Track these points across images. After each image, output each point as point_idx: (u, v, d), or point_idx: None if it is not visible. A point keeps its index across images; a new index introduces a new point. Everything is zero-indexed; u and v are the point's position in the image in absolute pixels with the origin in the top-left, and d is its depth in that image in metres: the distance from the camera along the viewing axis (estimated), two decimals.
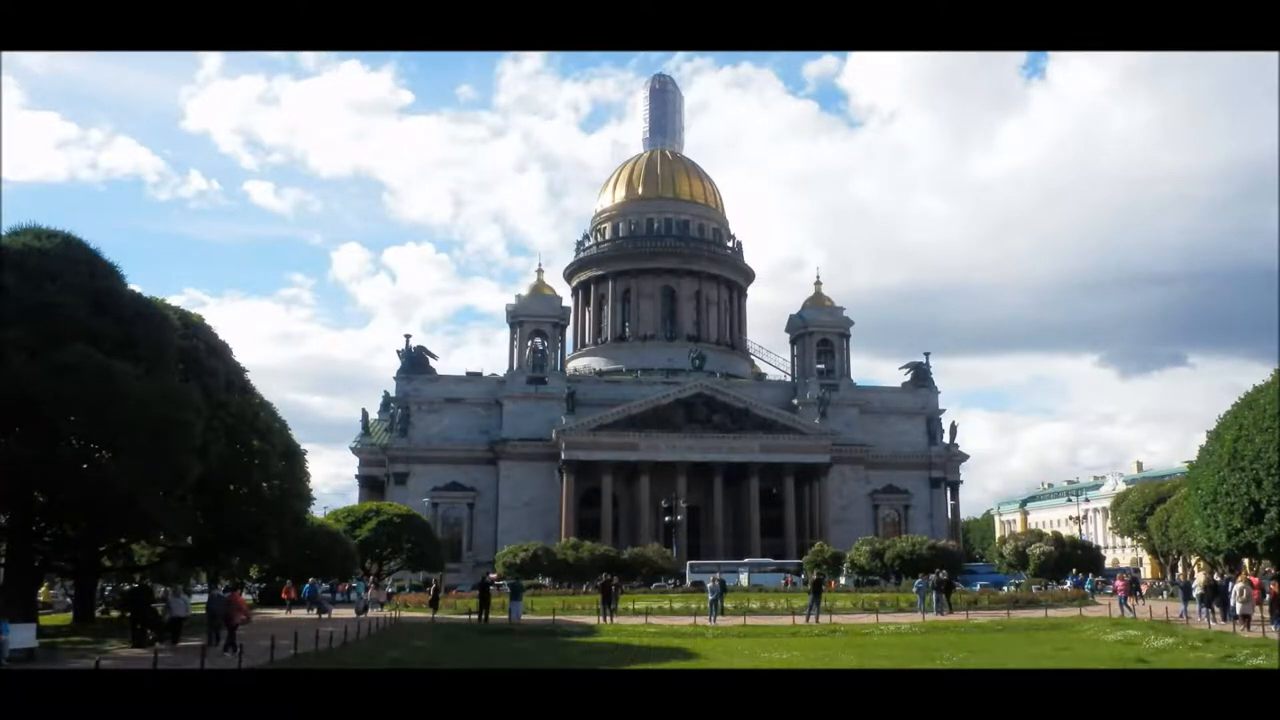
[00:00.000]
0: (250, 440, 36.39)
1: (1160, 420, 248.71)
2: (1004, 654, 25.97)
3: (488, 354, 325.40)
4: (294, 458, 41.40)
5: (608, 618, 38.68)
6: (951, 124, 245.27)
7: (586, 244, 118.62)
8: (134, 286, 31.69)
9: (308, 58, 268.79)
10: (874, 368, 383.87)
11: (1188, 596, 38.30)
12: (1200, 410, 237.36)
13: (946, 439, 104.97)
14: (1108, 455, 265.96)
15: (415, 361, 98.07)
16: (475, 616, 39.12)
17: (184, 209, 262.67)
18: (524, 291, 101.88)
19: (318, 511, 63.38)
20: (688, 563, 73.58)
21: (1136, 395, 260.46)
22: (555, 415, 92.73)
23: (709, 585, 41.72)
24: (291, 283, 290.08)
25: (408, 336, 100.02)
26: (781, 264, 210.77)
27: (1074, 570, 62.89)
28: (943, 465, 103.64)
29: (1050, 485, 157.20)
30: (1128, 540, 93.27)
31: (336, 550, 55.09)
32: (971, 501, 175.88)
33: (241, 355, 39.32)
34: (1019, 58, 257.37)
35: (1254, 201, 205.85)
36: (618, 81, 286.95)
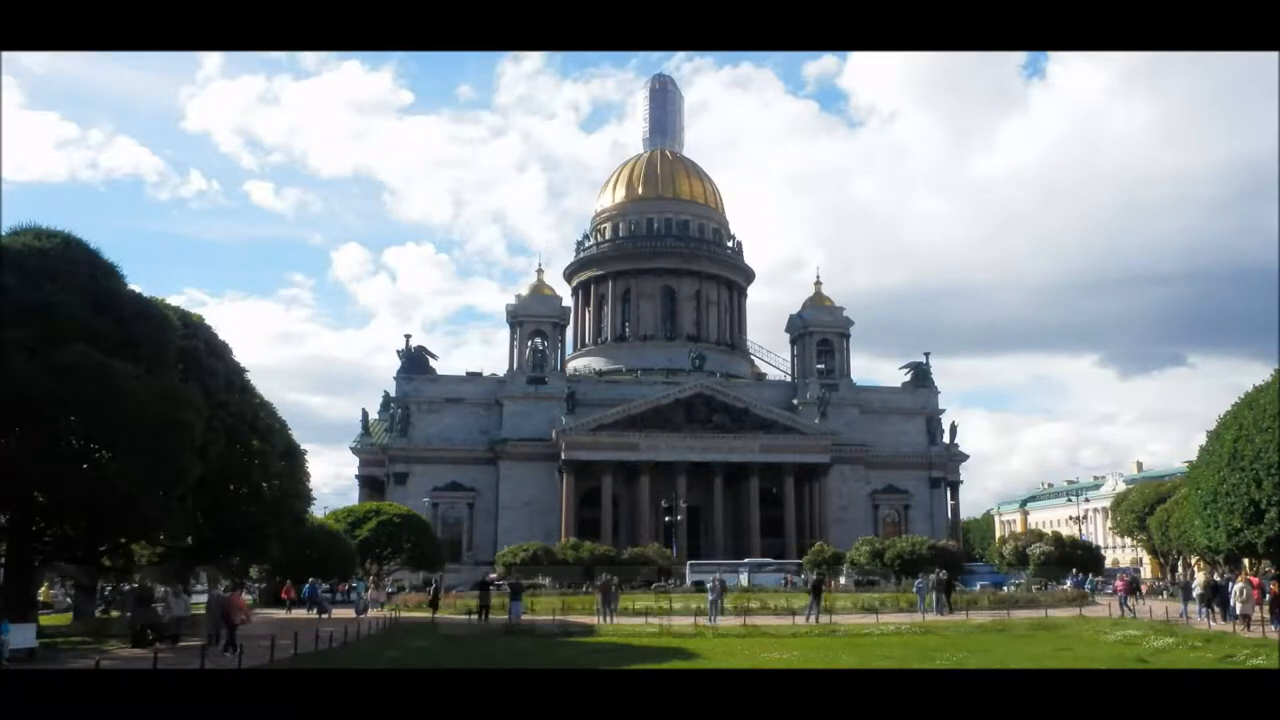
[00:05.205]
0: (250, 440, 36.39)
1: (1160, 420, 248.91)
2: (1004, 654, 25.96)
3: (488, 354, 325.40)
4: (294, 458, 41.42)
5: (608, 618, 38.69)
6: (951, 124, 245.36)
7: (586, 244, 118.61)
8: (134, 286, 31.68)
9: (308, 58, 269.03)
10: (874, 368, 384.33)
11: (1188, 596, 38.35)
12: (1200, 410, 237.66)
13: (946, 439, 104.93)
14: (1108, 455, 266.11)
15: (415, 361, 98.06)
16: (475, 616, 39.13)
17: (184, 209, 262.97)
18: (524, 291, 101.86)
19: (318, 511, 63.39)
20: (688, 563, 73.54)
21: (1136, 395, 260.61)
22: (555, 415, 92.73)
23: (709, 585, 41.69)
24: (291, 283, 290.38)
25: (408, 336, 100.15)
26: (781, 264, 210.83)
27: (1074, 570, 62.88)
28: (943, 465, 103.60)
29: (1050, 485, 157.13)
30: (1128, 540, 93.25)
31: (336, 550, 55.08)
32: (971, 501, 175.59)
33: (241, 355, 39.32)
34: (1019, 58, 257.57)
35: (1254, 201, 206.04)
36: (618, 81, 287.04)
